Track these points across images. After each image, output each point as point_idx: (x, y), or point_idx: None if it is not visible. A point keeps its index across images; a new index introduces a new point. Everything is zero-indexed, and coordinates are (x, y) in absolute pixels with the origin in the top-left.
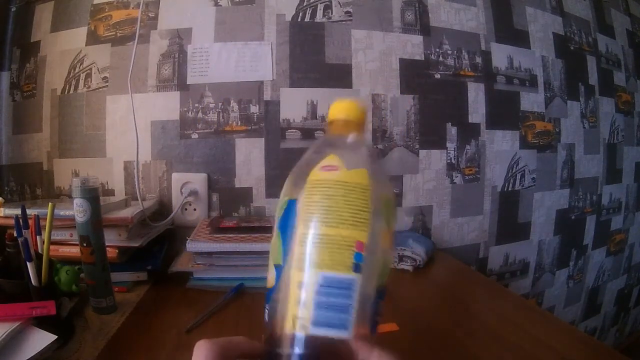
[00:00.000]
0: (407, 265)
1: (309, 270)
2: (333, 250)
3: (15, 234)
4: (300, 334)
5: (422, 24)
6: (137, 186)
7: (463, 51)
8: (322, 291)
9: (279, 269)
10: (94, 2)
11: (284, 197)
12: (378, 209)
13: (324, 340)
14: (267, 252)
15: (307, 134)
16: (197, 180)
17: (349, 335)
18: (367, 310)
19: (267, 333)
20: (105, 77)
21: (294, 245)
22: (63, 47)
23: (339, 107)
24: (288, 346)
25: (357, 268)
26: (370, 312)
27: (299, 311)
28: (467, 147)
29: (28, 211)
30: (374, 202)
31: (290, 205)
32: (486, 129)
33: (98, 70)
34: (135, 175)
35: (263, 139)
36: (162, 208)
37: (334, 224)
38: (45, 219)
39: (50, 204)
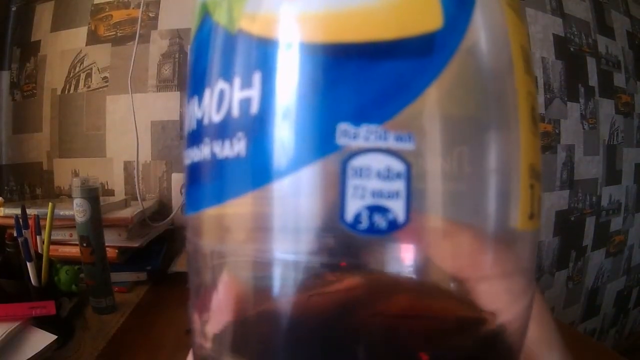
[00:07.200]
0: None
1: None
2: None
3: (15, 234)
4: None
5: None
6: (137, 186)
7: None
8: None
9: None
10: (95, 2)
11: None
12: None
13: None
14: None
15: None
16: None
17: None
18: None
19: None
20: (105, 77)
21: None
22: (63, 46)
23: None
24: None
25: None
26: None
27: None
28: None
29: (28, 211)
30: None
31: None
32: None
33: (98, 70)
34: (135, 176)
35: None
36: (162, 208)
37: None
38: (45, 218)
39: (50, 203)
